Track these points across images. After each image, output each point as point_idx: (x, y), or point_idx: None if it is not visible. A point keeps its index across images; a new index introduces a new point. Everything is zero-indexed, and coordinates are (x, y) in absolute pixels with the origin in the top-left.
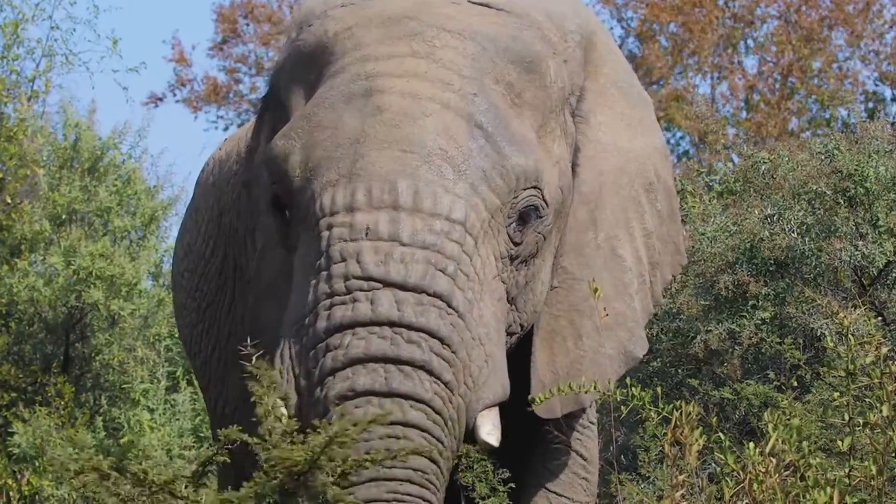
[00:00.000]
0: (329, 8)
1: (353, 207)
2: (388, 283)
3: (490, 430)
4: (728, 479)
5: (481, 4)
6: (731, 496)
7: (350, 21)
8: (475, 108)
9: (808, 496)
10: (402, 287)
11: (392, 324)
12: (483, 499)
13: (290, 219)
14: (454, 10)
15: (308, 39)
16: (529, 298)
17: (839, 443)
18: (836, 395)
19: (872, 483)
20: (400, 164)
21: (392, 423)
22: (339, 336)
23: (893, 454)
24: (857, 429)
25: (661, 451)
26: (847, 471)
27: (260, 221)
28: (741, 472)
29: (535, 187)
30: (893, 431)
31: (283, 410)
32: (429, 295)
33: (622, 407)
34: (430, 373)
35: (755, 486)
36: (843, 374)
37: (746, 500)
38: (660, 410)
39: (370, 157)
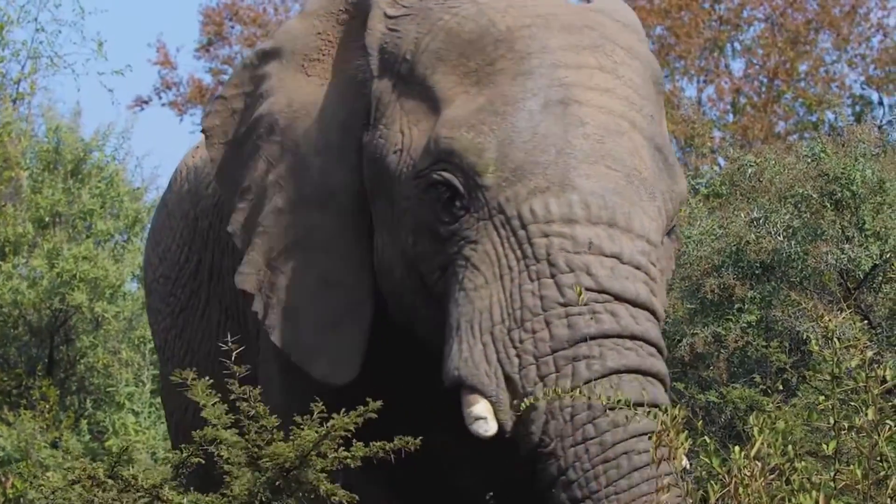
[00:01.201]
0: (467, 2)
1: (571, 219)
2: (621, 299)
3: None
4: (713, 483)
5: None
6: (717, 500)
7: (524, 19)
8: (654, 129)
9: (793, 500)
10: (633, 303)
11: (634, 337)
12: None
13: (464, 209)
14: (605, 20)
15: (465, 25)
16: None
17: (825, 446)
18: (822, 398)
19: (858, 487)
20: (610, 182)
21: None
22: (587, 346)
23: (879, 458)
24: (843, 432)
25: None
26: (832, 475)
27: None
28: (727, 476)
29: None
30: (879, 435)
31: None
32: (649, 312)
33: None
34: (665, 386)
35: (740, 489)
36: (828, 377)
37: None
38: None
39: (582, 171)
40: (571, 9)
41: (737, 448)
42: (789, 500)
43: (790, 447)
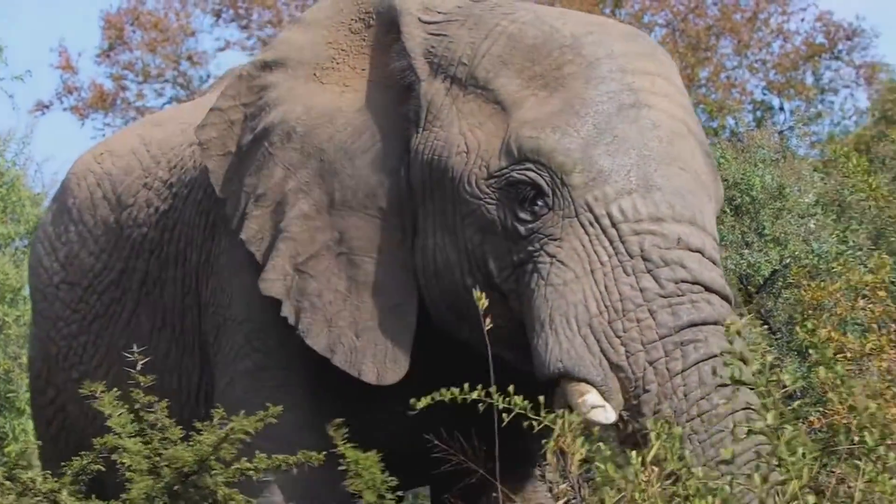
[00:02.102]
0: (521, 10)
1: (658, 218)
2: (711, 289)
3: None
4: (609, 489)
5: None
6: None
7: (583, 26)
8: (702, 134)
9: None
10: (720, 294)
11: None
12: None
13: (547, 208)
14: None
15: (527, 31)
16: None
17: (722, 451)
18: (654, 400)
19: (755, 491)
20: (685, 182)
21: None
22: (691, 332)
23: (777, 463)
24: (742, 437)
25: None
26: (730, 479)
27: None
28: (623, 482)
29: None
30: (778, 440)
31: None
32: (729, 302)
33: (504, 415)
34: None
35: (637, 495)
36: (728, 382)
37: None
38: (542, 419)
39: (661, 172)
40: (611, 20)
41: (633, 453)
42: None
43: (687, 452)
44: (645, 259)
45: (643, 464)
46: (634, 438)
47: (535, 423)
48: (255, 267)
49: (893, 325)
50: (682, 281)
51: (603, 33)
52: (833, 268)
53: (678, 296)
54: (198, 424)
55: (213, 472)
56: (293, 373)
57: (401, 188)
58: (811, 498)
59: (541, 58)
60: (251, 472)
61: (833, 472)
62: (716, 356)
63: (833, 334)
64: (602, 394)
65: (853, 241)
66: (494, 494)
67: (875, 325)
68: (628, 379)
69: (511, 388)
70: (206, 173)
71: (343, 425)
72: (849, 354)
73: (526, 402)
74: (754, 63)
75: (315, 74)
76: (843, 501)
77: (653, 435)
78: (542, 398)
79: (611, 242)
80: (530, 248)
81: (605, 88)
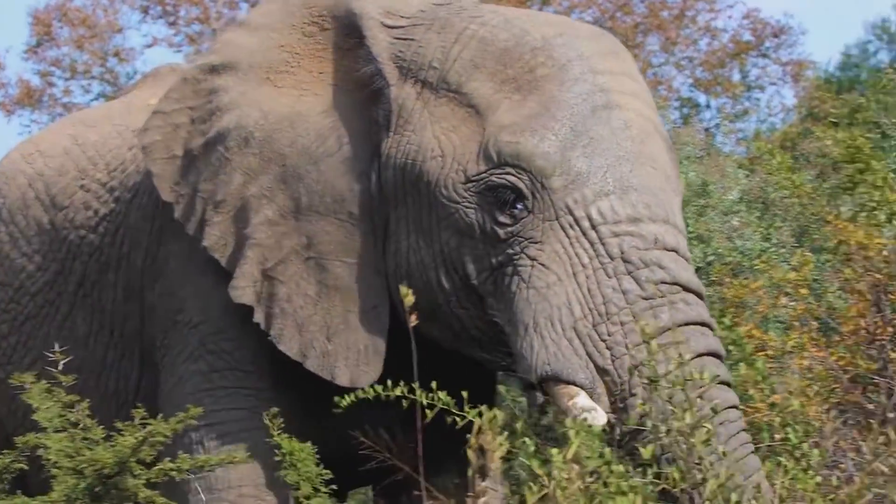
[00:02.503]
0: (488, 13)
1: (636, 218)
2: (688, 288)
3: None
4: (531, 486)
5: None
6: (535, 502)
7: (551, 28)
8: (665, 132)
9: (611, 503)
10: (696, 292)
11: (704, 323)
12: (307, 499)
13: (527, 211)
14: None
15: (498, 34)
16: None
17: (643, 450)
18: (640, 402)
19: (675, 489)
20: (657, 181)
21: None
22: (673, 333)
23: (697, 461)
24: (661, 436)
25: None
26: (651, 477)
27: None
28: (546, 478)
29: None
30: (696, 438)
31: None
32: (703, 299)
33: (428, 411)
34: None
35: (558, 492)
36: (646, 381)
37: None
38: (465, 414)
39: (637, 172)
40: (576, 20)
41: (554, 450)
42: (607, 503)
43: (607, 450)
44: (625, 261)
45: (564, 461)
46: (633, 437)
47: (458, 419)
48: (213, 271)
49: (815, 323)
50: (662, 282)
51: (571, 35)
52: (756, 265)
53: (658, 297)
54: (119, 424)
55: (136, 473)
56: (247, 377)
57: (371, 192)
58: (734, 496)
59: (512, 61)
60: (174, 473)
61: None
62: (699, 356)
63: (754, 331)
64: (591, 396)
65: (776, 239)
66: (417, 493)
67: (797, 323)
68: (614, 383)
69: (434, 385)
70: (150, 178)
71: (297, 427)
72: (770, 352)
73: (449, 398)
74: (681, 60)
75: (268, 78)
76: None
77: (572, 433)
78: (465, 393)
79: (591, 244)
80: (510, 251)
81: (578, 90)
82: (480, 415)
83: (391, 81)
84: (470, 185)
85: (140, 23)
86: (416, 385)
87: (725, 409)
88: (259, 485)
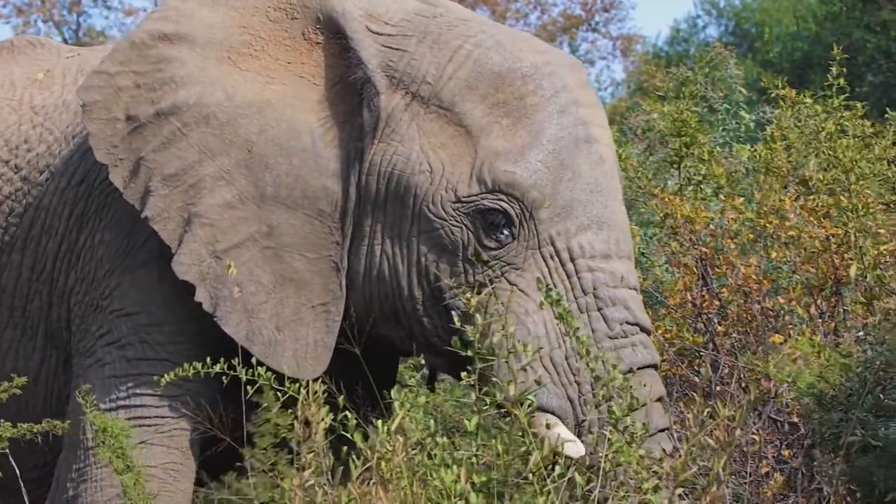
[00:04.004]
0: (479, 32)
1: (607, 255)
2: (644, 329)
3: None
4: (355, 458)
5: None
6: (359, 475)
7: (539, 55)
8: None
9: (435, 475)
10: (649, 332)
11: (655, 367)
12: (119, 473)
13: (512, 237)
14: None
15: (491, 57)
16: None
17: (467, 422)
18: (464, 374)
19: (499, 462)
20: (622, 216)
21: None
22: (630, 376)
23: (520, 433)
24: (485, 408)
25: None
26: (475, 450)
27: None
28: (369, 451)
29: None
30: (519, 410)
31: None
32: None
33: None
34: None
35: (382, 464)
36: (471, 354)
37: (374, 479)
38: (286, 389)
39: (609, 208)
40: (556, 48)
41: (379, 422)
42: (431, 475)
43: (432, 422)
44: (596, 297)
45: (388, 433)
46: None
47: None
48: (157, 266)
49: (642, 296)
50: (626, 322)
51: (556, 65)
52: None
53: (622, 337)
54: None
55: None
56: (176, 369)
57: (348, 194)
58: (558, 468)
59: (504, 85)
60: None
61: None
62: (657, 400)
63: None
64: (566, 424)
65: None
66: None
67: None
68: (576, 417)
69: (254, 361)
70: (68, 161)
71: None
72: None
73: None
74: None
75: (229, 58)
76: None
77: (396, 404)
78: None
79: (568, 277)
80: (490, 273)
81: (564, 122)
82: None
83: (381, 90)
84: (459, 204)
85: None
86: (253, 367)
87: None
88: (170, 471)
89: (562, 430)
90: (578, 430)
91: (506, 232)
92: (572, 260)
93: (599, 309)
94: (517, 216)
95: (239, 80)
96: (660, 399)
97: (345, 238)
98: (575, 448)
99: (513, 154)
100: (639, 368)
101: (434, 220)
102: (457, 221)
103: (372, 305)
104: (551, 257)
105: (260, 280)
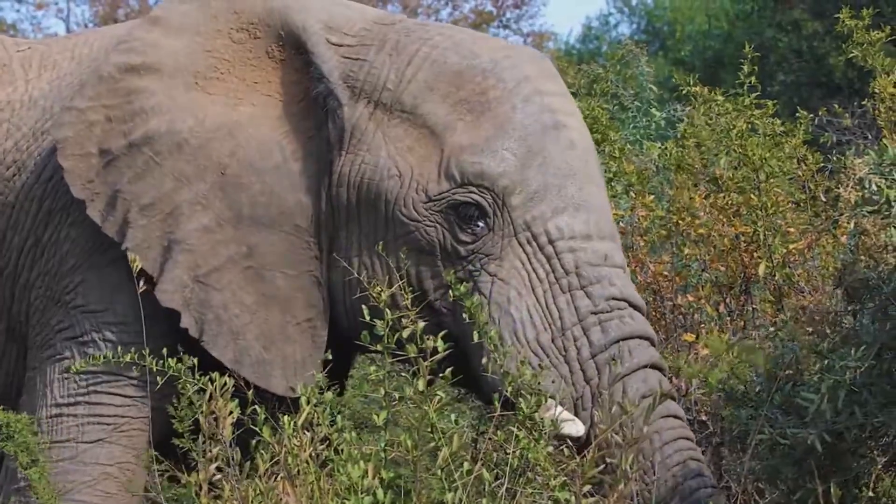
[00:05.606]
0: (436, 35)
1: (588, 235)
2: (633, 304)
3: None
4: (263, 453)
5: None
6: (266, 470)
7: (498, 51)
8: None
9: (342, 470)
10: (639, 308)
11: (646, 336)
12: (25, 468)
13: (488, 228)
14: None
15: (449, 57)
16: None
17: (375, 417)
18: (373, 369)
19: (408, 457)
20: (601, 199)
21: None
22: (618, 347)
23: (429, 428)
24: (394, 403)
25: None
26: (383, 445)
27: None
28: (276, 445)
29: None
30: (429, 405)
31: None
32: (643, 312)
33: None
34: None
35: (289, 459)
36: (380, 348)
37: (282, 474)
38: (197, 381)
39: (587, 190)
40: (519, 45)
41: (286, 417)
42: (339, 470)
43: (339, 417)
44: (579, 276)
45: (296, 428)
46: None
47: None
48: (125, 266)
49: None
50: (612, 298)
51: (516, 58)
52: None
53: (607, 312)
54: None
55: None
56: (139, 369)
57: (320, 208)
58: (466, 464)
59: (464, 83)
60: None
61: (491, 438)
62: (642, 368)
63: None
64: (562, 404)
65: None
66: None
67: None
68: (571, 396)
69: (164, 352)
70: (36, 157)
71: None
72: None
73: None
74: None
75: (197, 83)
76: (500, 468)
77: (303, 400)
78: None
79: (548, 259)
80: (470, 267)
81: (529, 110)
82: (212, 381)
83: (343, 101)
84: (431, 203)
85: None
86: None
87: (665, 416)
88: (126, 470)
89: (560, 412)
90: (575, 405)
91: (480, 224)
92: (551, 242)
93: (583, 287)
94: (490, 206)
95: (207, 105)
96: (656, 367)
97: (322, 251)
98: (574, 427)
99: (478, 146)
100: (627, 338)
101: (408, 223)
102: (430, 221)
103: (356, 315)
104: (528, 243)
105: (243, 301)
